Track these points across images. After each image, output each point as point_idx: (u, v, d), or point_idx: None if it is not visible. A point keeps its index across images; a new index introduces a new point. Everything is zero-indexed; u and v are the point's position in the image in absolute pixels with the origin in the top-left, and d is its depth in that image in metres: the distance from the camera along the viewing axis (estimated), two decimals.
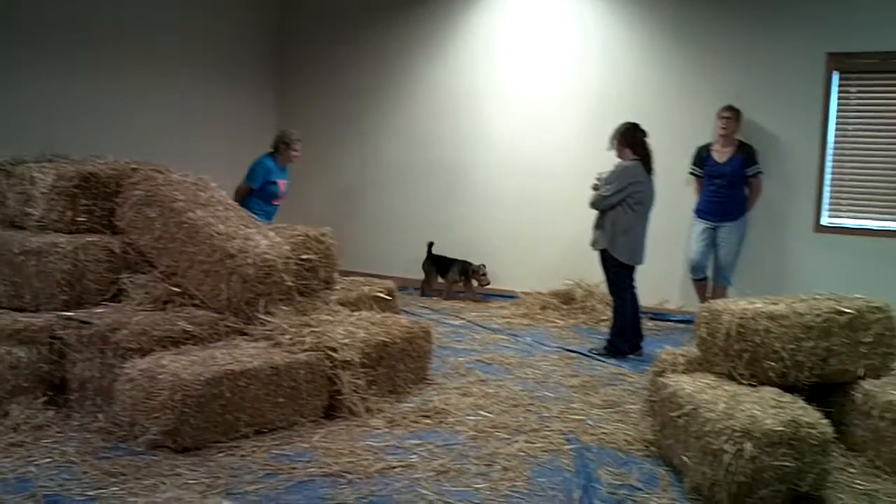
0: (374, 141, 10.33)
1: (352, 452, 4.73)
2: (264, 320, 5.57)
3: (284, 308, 5.71)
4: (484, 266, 9.36)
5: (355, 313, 6.14)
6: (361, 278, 7.49)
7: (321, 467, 4.52)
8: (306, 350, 5.25)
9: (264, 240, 5.75)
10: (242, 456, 4.65)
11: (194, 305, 5.64)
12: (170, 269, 5.74)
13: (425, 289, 9.66)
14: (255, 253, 5.58)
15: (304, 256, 5.89)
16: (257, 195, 8.16)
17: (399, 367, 5.80)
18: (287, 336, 5.38)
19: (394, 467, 4.55)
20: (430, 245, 9.52)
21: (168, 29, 9.30)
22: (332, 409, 5.30)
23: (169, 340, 5.17)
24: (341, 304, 6.36)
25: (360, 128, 10.39)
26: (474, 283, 9.45)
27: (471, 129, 9.77)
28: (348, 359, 5.30)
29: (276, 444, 4.83)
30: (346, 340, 5.40)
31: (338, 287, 6.53)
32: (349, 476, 4.42)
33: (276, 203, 8.38)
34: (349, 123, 10.40)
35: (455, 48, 9.83)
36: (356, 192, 10.44)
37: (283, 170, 8.36)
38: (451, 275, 9.45)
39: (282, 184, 8.30)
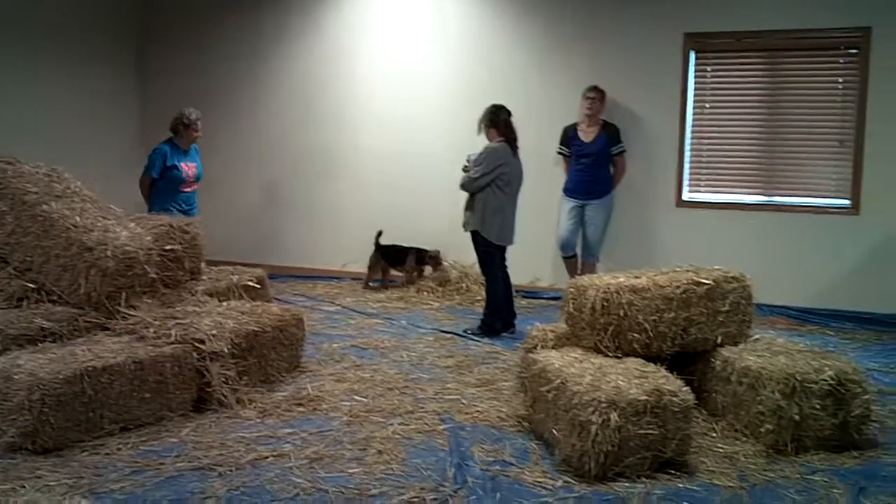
0: (247, 121, 10.14)
1: (222, 445, 4.64)
2: (127, 314, 5.41)
3: (148, 301, 5.55)
4: (439, 252, 9.16)
5: (224, 303, 6.00)
6: (230, 267, 7.33)
7: (190, 461, 4.41)
8: (172, 343, 5.10)
9: (125, 231, 5.57)
10: (107, 454, 4.50)
11: (52, 301, 5.45)
12: (24, 264, 5.52)
13: (368, 280, 9.28)
14: (114, 245, 5.40)
15: (168, 247, 5.73)
16: (163, 185, 7.81)
17: (271, 355, 5.70)
18: (151, 329, 5.21)
19: (266, 457, 4.48)
20: (378, 235, 9.14)
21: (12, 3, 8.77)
22: (202, 402, 5.17)
23: (25, 339, 4.98)
24: (209, 294, 6.21)
25: (233, 107, 10.17)
26: (427, 269, 9.23)
27: (340, 113, 9.67)
28: (217, 350, 5.18)
29: (143, 441, 4.69)
30: (214, 331, 5.27)
31: (205, 277, 6.38)
32: (219, 469, 4.32)
33: (186, 189, 7.99)
34: (220, 103, 10.18)
35: (322, 31, 9.72)
36: (224, 174, 10.23)
37: (188, 153, 7.99)
38: (408, 264, 9.16)
39: (186, 167, 7.90)
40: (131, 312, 5.42)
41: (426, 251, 9.14)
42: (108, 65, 10.15)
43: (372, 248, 9.13)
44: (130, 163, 9.82)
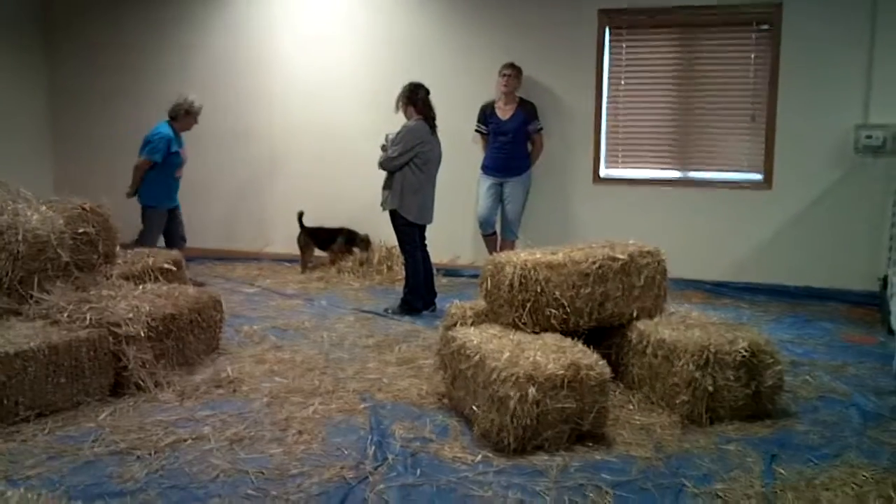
0: (163, 100, 9.95)
1: (140, 428, 4.62)
2: (40, 298, 5.32)
3: (62, 285, 5.46)
4: (368, 235, 9.06)
5: (139, 286, 5.94)
6: (146, 250, 7.24)
7: (108, 446, 4.40)
8: (87, 327, 5.05)
9: (35, 214, 5.47)
10: (23, 441, 4.45)
11: None
12: None
13: (306, 262, 9.13)
14: (25, 228, 5.31)
15: (81, 230, 5.63)
16: (158, 170, 7.85)
17: (189, 338, 5.67)
18: (65, 314, 5.15)
19: (185, 440, 4.48)
20: (301, 215, 9.02)
21: None
22: (120, 386, 5.13)
23: None
24: (124, 277, 6.14)
25: (148, 85, 10.00)
26: (356, 251, 9.13)
27: (256, 92, 9.57)
28: (133, 333, 5.13)
29: (60, 426, 4.65)
30: (129, 315, 5.22)
31: (120, 261, 6.30)
32: (138, 452, 4.31)
33: (177, 176, 8.06)
34: (133, 81, 10.03)
35: (236, 6, 9.60)
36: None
37: (180, 137, 8.06)
38: (337, 245, 9.07)
39: (183, 153, 8.04)
40: (44, 297, 5.34)
41: (356, 233, 9.10)
42: (14, 39, 9.90)
43: (297, 230, 9.06)
44: (38, 144, 9.66)
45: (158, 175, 7.91)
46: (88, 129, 10.26)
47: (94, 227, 5.74)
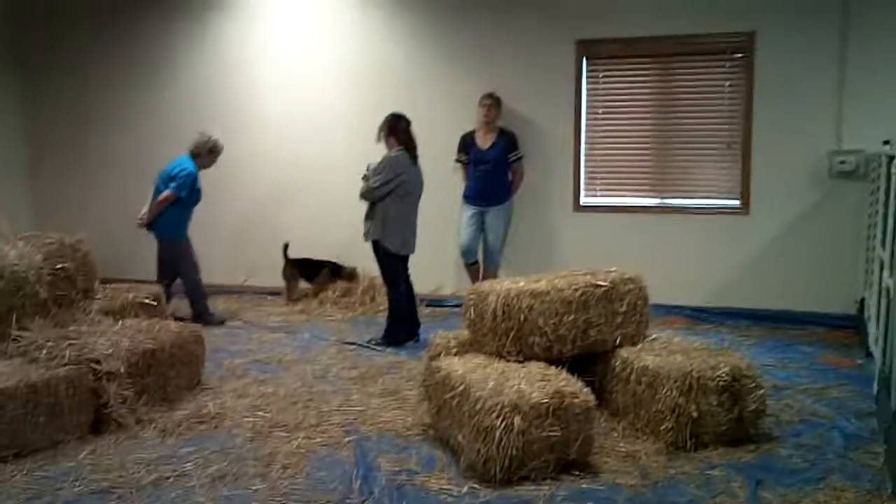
0: (139, 128, 9.97)
1: (122, 466, 4.54)
2: (18, 336, 5.26)
3: (40, 321, 5.41)
4: (356, 268, 9.03)
5: (119, 322, 5.88)
6: (125, 285, 7.19)
7: (89, 485, 4.32)
8: (66, 364, 4.98)
9: (13, 250, 5.42)
10: (1, 481, 4.36)
11: None
12: None
13: (291, 294, 9.10)
14: (2, 265, 5.25)
15: (59, 265, 5.58)
16: (180, 204, 7.93)
17: (170, 373, 5.60)
18: (44, 351, 5.08)
19: (167, 478, 4.40)
20: (286, 247, 9.01)
21: None
22: (100, 424, 5.06)
23: None
24: (104, 313, 6.06)
25: (121, 113, 10.00)
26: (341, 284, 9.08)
27: (235, 121, 9.50)
28: (113, 370, 5.06)
29: (39, 466, 4.57)
30: (109, 351, 5.15)
31: (99, 296, 6.24)
32: (119, 491, 4.24)
33: (191, 210, 8.14)
34: (107, 107, 10.03)
35: (214, 36, 9.61)
36: (113, 185, 10.05)
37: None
38: (321, 277, 9.03)
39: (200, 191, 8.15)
40: (22, 334, 5.28)
41: (342, 266, 9.06)
42: None
43: (282, 261, 9.03)
44: (11, 163, 9.54)
45: (178, 209, 7.98)
46: (66, 158, 10.23)
47: (72, 262, 5.71)
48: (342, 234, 8.84)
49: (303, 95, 9.39)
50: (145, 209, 8.07)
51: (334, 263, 9.08)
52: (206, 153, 8.13)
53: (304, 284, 9.18)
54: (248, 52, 9.53)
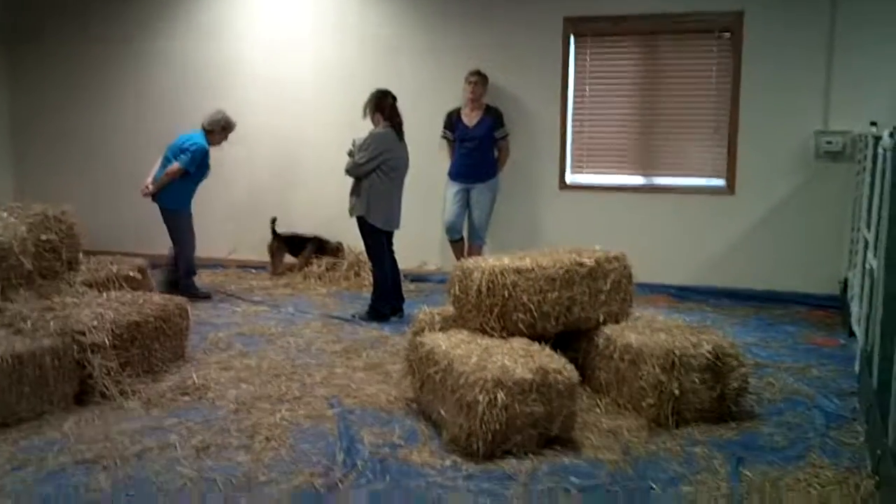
0: (125, 104, 9.94)
1: (106, 438, 4.56)
2: (3, 307, 5.27)
3: (25, 293, 5.42)
4: (341, 243, 9.09)
5: (104, 294, 5.89)
6: (110, 257, 7.19)
7: (74, 455, 4.33)
8: (51, 335, 4.99)
9: None
10: None
11: None
12: None
13: (277, 268, 9.14)
14: None
15: (44, 237, 5.58)
16: (188, 177, 7.94)
17: (154, 346, 5.62)
18: (29, 322, 5.09)
19: (151, 449, 4.42)
20: (273, 221, 9.04)
21: None
22: (85, 395, 5.08)
23: None
24: (88, 285, 6.09)
25: (109, 89, 9.97)
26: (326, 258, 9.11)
27: (221, 96, 9.39)
28: (97, 341, 5.08)
29: (24, 436, 4.58)
30: (94, 323, 5.16)
31: (83, 268, 6.24)
32: (104, 462, 4.25)
33: (195, 187, 8.14)
34: (95, 85, 10.00)
35: (199, 10, 9.57)
36: (101, 162, 10.02)
37: None
38: (306, 252, 9.06)
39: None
40: (7, 305, 5.29)
41: (328, 241, 9.10)
42: None
43: (269, 235, 9.07)
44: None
45: (185, 182, 7.98)
46: (50, 133, 10.19)
47: (57, 234, 5.71)
48: (328, 210, 8.88)
49: (288, 71, 9.36)
50: (150, 179, 8.04)
51: (320, 238, 9.11)
52: (220, 130, 8.11)
53: (289, 259, 9.20)
54: (234, 27, 9.48)
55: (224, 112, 8.18)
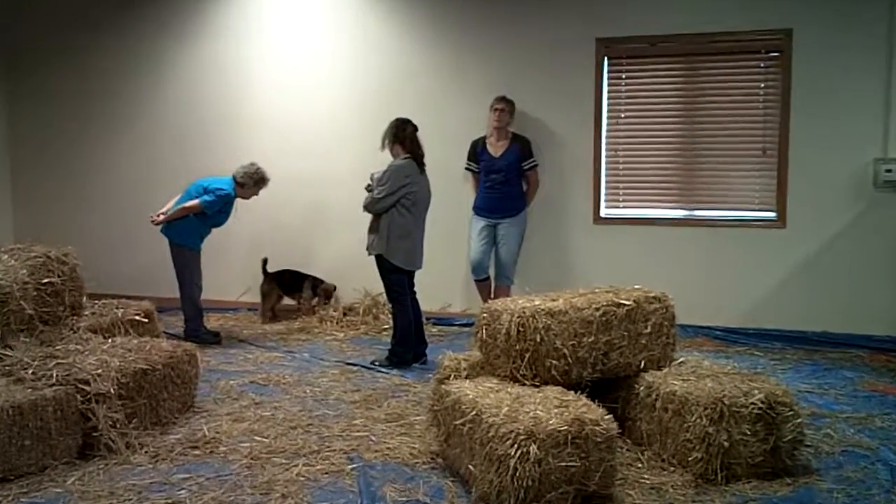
0: (126, 137, 10.11)
1: (111, 493, 4.64)
2: (3, 354, 5.37)
3: (26, 339, 5.52)
4: (335, 287, 9.28)
5: (109, 340, 6.00)
6: (115, 301, 7.31)
7: None
8: (53, 385, 5.09)
9: None
10: None
11: None
12: None
13: (265, 311, 9.28)
14: None
15: (46, 280, 5.70)
16: (203, 219, 8.12)
17: (162, 395, 5.71)
18: (30, 370, 5.20)
19: None
20: (265, 262, 9.20)
21: None
22: (89, 448, 5.16)
23: None
24: (92, 330, 6.19)
25: (110, 122, 10.17)
26: (315, 300, 9.30)
27: (227, 127, 9.68)
28: (102, 391, 5.17)
29: (25, 492, 4.67)
30: (98, 371, 5.26)
31: (87, 312, 6.36)
32: None
33: (211, 230, 8.34)
34: (95, 115, 10.19)
35: (208, 39, 9.73)
36: (102, 197, 10.19)
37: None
38: (305, 294, 9.22)
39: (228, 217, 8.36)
40: (7, 353, 5.39)
41: (322, 281, 9.24)
42: None
43: (261, 277, 9.20)
44: None
45: (200, 221, 8.16)
46: (52, 168, 10.37)
47: (59, 276, 5.81)
48: (343, 248, 8.97)
49: (300, 101, 9.50)
50: (166, 208, 8.20)
51: (315, 278, 9.26)
52: (251, 184, 8.27)
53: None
54: (244, 53, 9.64)
55: (258, 166, 8.30)
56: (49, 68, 10.29)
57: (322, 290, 9.23)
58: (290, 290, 9.31)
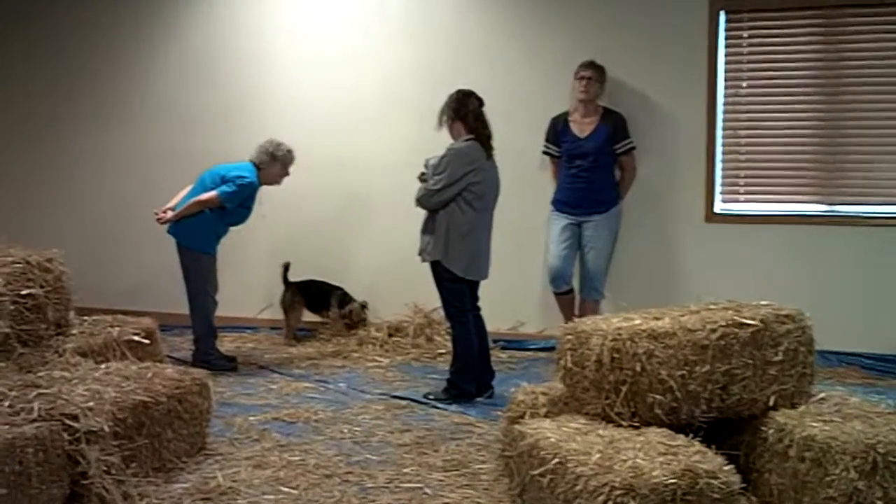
0: (121, 121, 10.27)
1: None
2: None
3: (1, 364, 5.59)
4: (366, 305, 9.38)
5: (102, 366, 6.06)
6: (109, 317, 7.40)
7: None
8: (35, 420, 5.13)
9: None
10: None
11: None
12: None
13: (290, 330, 9.40)
14: None
15: (25, 291, 5.78)
16: (221, 215, 8.22)
17: (167, 434, 5.76)
18: (6, 403, 5.24)
19: None
20: (286, 268, 9.31)
21: None
22: (77, 499, 5.17)
23: None
24: (82, 353, 6.25)
25: (104, 103, 10.34)
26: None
27: (246, 107, 9.80)
28: (94, 428, 5.22)
29: None
30: (90, 404, 5.30)
31: (76, 331, 6.43)
32: None
33: (230, 228, 8.44)
34: (85, 96, 10.37)
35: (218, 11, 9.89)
36: (92, 192, 10.33)
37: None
38: (334, 310, 9.33)
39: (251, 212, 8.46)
40: None
41: (349, 297, 9.33)
42: None
43: (281, 286, 9.31)
44: None
45: (216, 219, 8.25)
46: (35, 158, 10.60)
47: (41, 287, 5.85)
48: (388, 255, 9.03)
49: (335, 72, 9.61)
50: (172, 203, 8.32)
51: (344, 292, 9.35)
52: (269, 160, 8.31)
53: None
54: (269, 18, 9.76)
55: (274, 139, 8.37)
56: (19, 24, 10.48)
57: (349, 315, 9.32)
58: (317, 305, 9.41)
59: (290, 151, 8.38)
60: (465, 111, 7.23)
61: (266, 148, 8.30)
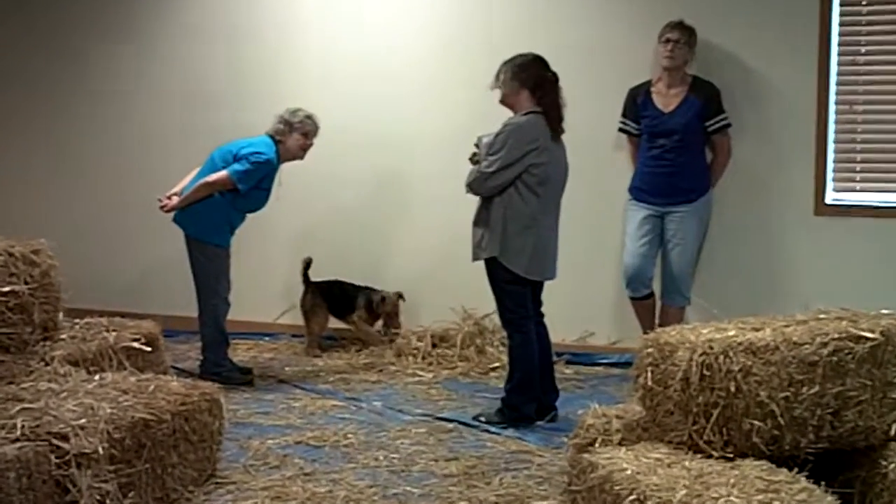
0: (124, 103, 10.38)
1: None
2: None
3: None
4: (400, 296, 9.42)
5: (96, 377, 6.09)
6: (105, 320, 7.44)
7: None
8: (17, 440, 5.17)
9: None
10: None
11: None
12: None
13: (314, 337, 9.47)
14: None
15: (7, 288, 5.82)
16: (234, 200, 8.24)
17: (171, 458, 5.77)
18: None
19: None
20: (307, 265, 9.38)
21: None
22: None
23: None
24: (72, 362, 6.27)
25: (104, 84, 10.42)
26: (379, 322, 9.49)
27: (263, 87, 9.84)
28: (87, 450, 5.25)
29: None
30: (81, 421, 5.33)
31: (65, 335, 6.47)
32: None
33: (246, 215, 8.49)
34: (83, 77, 10.46)
35: None
36: (88, 183, 10.40)
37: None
38: (357, 312, 9.39)
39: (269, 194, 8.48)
40: None
41: (376, 293, 9.36)
42: None
43: (302, 287, 9.37)
44: None
45: (225, 205, 8.26)
46: (26, 137, 10.76)
47: (26, 283, 5.90)
48: (429, 252, 9.05)
49: (371, 40, 9.65)
50: (178, 188, 8.37)
51: (370, 289, 9.39)
52: (287, 130, 8.32)
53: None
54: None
55: (291, 106, 8.38)
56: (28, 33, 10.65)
57: (381, 305, 9.33)
58: (341, 309, 9.45)
59: (309, 117, 8.38)
60: (530, 77, 7.12)
61: (282, 116, 8.33)
